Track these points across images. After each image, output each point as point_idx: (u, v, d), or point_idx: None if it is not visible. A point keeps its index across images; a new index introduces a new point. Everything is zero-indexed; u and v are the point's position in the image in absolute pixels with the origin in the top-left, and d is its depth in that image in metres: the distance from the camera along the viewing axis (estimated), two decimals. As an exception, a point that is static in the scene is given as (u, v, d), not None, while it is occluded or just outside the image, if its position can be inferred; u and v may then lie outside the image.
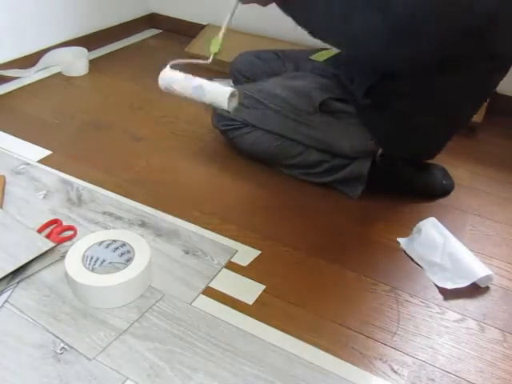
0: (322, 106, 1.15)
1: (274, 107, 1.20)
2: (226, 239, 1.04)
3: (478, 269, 0.96)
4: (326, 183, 1.21)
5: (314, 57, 1.33)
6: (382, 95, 1.08)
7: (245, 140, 1.25)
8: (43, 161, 1.24)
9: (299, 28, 0.98)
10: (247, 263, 0.99)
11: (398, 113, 1.09)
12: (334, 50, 1.30)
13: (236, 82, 1.43)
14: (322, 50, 1.34)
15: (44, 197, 1.11)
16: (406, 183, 1.21)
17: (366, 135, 1.14)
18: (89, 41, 1.85)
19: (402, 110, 1.08)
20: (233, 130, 1.26)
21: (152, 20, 2.18)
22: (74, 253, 0.89)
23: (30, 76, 1.65)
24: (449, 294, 0.95)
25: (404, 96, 1.07)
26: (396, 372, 0.80)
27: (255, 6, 1.06)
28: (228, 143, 1.33)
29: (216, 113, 1.29)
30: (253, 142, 1.24)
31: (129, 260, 0.91)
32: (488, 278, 0.96)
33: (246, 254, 1.01)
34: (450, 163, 1.30)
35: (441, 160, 1.29)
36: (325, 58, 1.29)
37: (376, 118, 1.12)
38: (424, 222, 1.06)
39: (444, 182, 1.24)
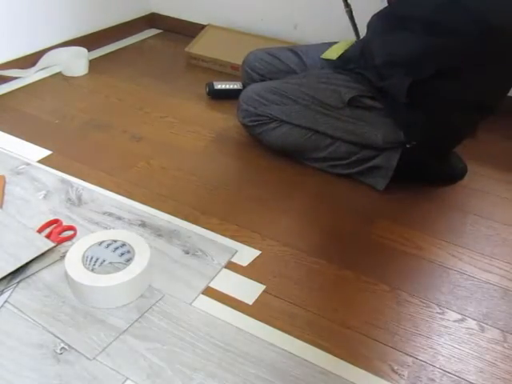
0: (351, 101, 1.18)
1: (303, 102, 1.22)
2: (226, 239, 1.04)
3: None
4: (353, 174, 1.24)
5: (324, 56, 1.34)
6: (417, 94, 1.11)
7: (272, 135, 1.28)
8: (43, 161, 1.24)
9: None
10: (247, 263, 0.99)
11: (429, 110, 1.12)
12: (342, 46, 1.33)
13: (249, 80, 1.44)
14: (331, 45, 1.36)
15: (44, 197, 1.11)
16: (433, 171, 1.25)
17: (397, 126, 1.17)
18: (89, 41, 1.85)
19: (434, 107, 1.12)
20: (260, 126, 1.29)
21: (152, 20, 2.18)
22: (74, 253, 0.89)
23: (29, 76, 1.65)
24: (449, 294, 0.95)
25: (437, 95, 1.11)
26: (396, 372, 0.80)
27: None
28: (254, 138, 1.34)
29: (242, 109, 1.30)
30: (281, 137, 1.26)
31: (129, 260, 0.91)
32: None
33: (246, 254, 1.01)
34: (450, 163, 1.30)
35: (441, 160, 1.30)
36: (338, 56, 1.31)
37: (405, 115, 1.15)
38: None
39: (461, 165, 1.29)
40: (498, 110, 1.20)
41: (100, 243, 0.92)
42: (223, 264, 0.97)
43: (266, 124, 1.27)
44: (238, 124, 1.37)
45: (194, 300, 0.89)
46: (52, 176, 1.18)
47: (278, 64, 1.40)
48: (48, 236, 0.98)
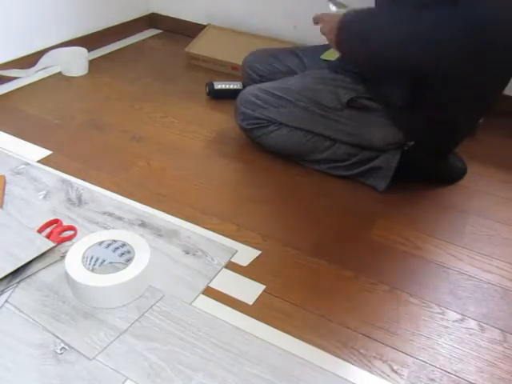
0: (350, 102, 1.18)
1: (302, 105, 1.22)
2: (226, 239, 1.04)
3: None
4: (354, 176, 1.24)
5: (324, 56, 1.34)
6: (416, 95, 1.10)
7: (271, 138, 1.27)
8: (43, 161, 1.24)
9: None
10: (247, 263, 0.99)
11: (428, 110, 1.12)
12: None
13: (249, 80, 1.44)
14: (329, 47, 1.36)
15: (44, 197, 1.11)
16: (433, 171, 1.25)
17: (396, 127, 1.17)
18: (89, 41, 1.85)
19: (433, 107, 1.11)
20: (259, 129, 1.28)
21: (152, 20, 2.18)
22: (74, 253, 0.89)
23: (29, 76, 1.65)
24: (449, 294, 0.95)
25: (437, 95, 1.10)
26: (396, 372, 0.80)
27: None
28: (253, 142, 1.34)
29: (240, 111, 1.30)
30: (280, 139, 1.26)
31: (129, 260, 0.91)
32: None
33: (246, 254, 1.01)
34: (450, 163, 1.30)
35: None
36: (337, 57, 1.31)
37: (404, 116, 1.14)
38: None
39: (460, 164, 1.29)
40: (494, 107, 1.21)
41: (100, 243, 0.92)
42: (223, 264, 0.97)
43: (265, 127, 1.27)
44: (238, 124, 1.37)
45: (194, 300, 0.89)
46: (52, 176, 1.18)
47: (277, 65, 1.40)
48: (48, 236, 0.98)
